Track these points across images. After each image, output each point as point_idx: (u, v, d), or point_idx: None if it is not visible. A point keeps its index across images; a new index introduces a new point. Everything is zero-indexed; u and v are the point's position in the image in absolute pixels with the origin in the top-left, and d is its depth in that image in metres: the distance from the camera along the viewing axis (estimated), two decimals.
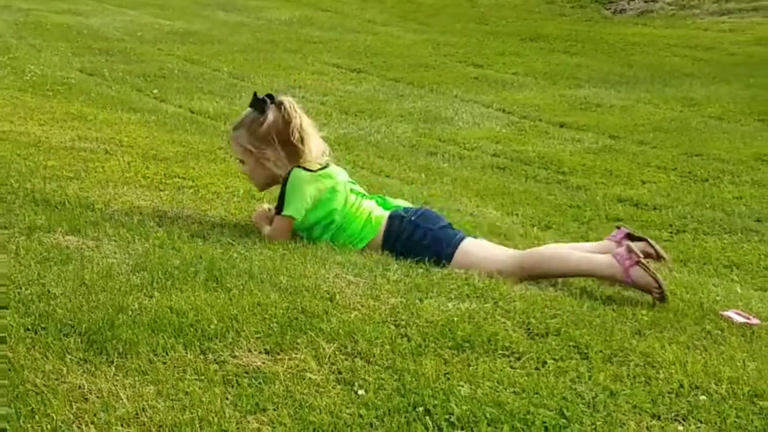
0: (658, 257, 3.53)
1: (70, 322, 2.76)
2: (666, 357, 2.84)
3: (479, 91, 8.50)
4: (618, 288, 3.53)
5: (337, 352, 2.68)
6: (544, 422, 2.39)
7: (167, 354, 2.62)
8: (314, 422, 2.29)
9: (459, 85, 8.71)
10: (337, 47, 10.65)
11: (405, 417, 2.33)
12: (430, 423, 2.32)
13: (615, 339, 2.94)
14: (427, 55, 10.38)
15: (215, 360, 2.59)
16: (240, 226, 3.92)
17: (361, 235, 3.75)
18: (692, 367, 2.77)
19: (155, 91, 7.84)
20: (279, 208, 3.80)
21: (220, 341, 2.70)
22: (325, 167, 3.82)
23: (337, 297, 3.09)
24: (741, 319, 3.25)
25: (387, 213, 3.79)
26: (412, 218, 3.74)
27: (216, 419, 2.28)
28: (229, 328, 2.77)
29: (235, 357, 2.62)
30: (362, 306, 3.03)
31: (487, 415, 2.37)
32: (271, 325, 2.83)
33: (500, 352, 2.78)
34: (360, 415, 2.33)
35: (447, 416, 2.36)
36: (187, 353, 2.62)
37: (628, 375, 2.71)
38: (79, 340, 2.66)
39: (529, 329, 2.98)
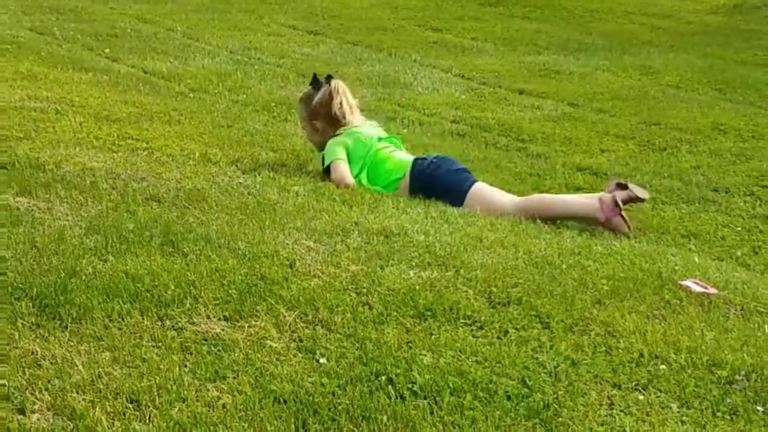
0: (639, 200, 4.23)
1: (21, 285, 2.69)
2: (626, 326, 2.84)
3: (438, 56, 8.43)
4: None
5: (297, 320, 2.64)
6: (507, 391, 2.38)
7: (123, 320, 2.55)
8: (275, 391, 2.25)
9: (418, 50, 8.63)
10: (294, 8, 10.50)
11: (368, 386, 2.31)
12: (393, 392, 2.29)
13: (576, 308, 2.94)
14: (385, 18, 10.27)
15: (173, 326, 2.54)
16: (196, 190, 3.84)
17: (392, 175, 4.44)
18: (652, 337, 2.78)
19: (107, 50, 7.66)
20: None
21: (177, 307, 2.64)
22: (353, 128, 4.59)
23: (297, 264, 3.04)
24: (699, 289, 3.26)
25: (412, 157, 4.52)
26: (434, 159, 4.47)
27: (174, 387, 2.23)
28: (186, 294, 2.71)
29: (193, 324, 2.56)
30: (322, 273, 2.99)
31: (450, 385, 2.35)
32: (230, 291, 2.77)
33: (462, 321, 2.76)
34: (322, 384, 2.29)
35: (410, 385, 2.33)
36: (143, 319, 2.56)
37: (589, 344, 2.70)
38: (31, 305, 2.59)
39: (490, 298, 2.96)
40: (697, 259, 3.72)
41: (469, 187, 4.34)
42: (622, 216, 4.13)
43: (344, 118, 4.59)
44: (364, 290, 2.88)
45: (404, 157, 4.52)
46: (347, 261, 3.11)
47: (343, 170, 4.41)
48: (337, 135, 4.57)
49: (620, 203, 4.13)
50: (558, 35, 9.75)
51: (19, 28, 8.22)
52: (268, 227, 3.39)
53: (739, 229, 4.26)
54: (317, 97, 4.65)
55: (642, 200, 4.24)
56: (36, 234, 3.10)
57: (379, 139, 4.60)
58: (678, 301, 3.11)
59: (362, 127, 4.63)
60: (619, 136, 5.80)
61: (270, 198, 3.85)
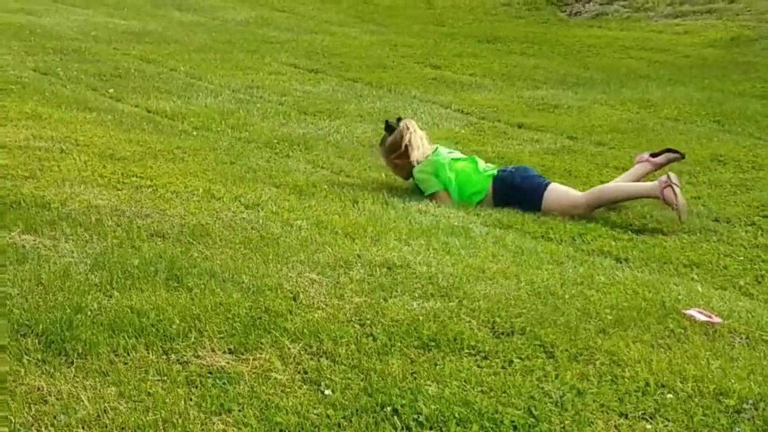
0: (679, 156, 5.18)
1: (27, 322, 2.70)
2: (631, 355, 2.85)
3: (437, 91, 8.48)
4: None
5: (302, 352, 2.65)
6: (513, 421, 2.37)
7: (128, 354, 2.56)
8: (281, 423, 2.25)
9: (417, 86, 8.68)
10: (295, 47, 10.58)
11: (373, 417, 2.31)
12: (399, 423, 2.29)
13: (580, 338, 2.94)
14: (384, 56, 10.35)
15: (178, 360, 2.55)
16: (200, 225, 3.86)
17: (478, 186, 5.07)
18: (657, 366, 2.78)
19: (111, 90, 7.72)
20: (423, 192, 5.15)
21: (182, 341, 2.65)
22: (431, 157, 5.19)
23: (301, 296, 3.05)
24: (703, 318, 3.26)
25: (493, 170, 5.13)
26: (512, 170, 5.15)
27: (180, 421, 2.24)
28: (191, 328, 2.72)
29: (198, 357, 2.57)
30: (326, 305, 3.00)
31: (456, 415, 2.35)
32: (235, 324, 2.78)
33: (466, 351, 2.77)
34: (327, 416, 2.29)
35: (415, 416, 2.33)
36: (149, 354, 2.57)
37: (595, 374, 2.71)
38: (37, 341, 2.60)
39: (494, 328, 2.97)
40: (700, 289, 3.73)
41: (544, 190, 4.97)
42: (672, 189, 4.76)
43: (418, 149, 5.20)
44: (368, 321, 2.89)
45: (486, 171, 5.14)
46: (350, 293, 3.12)
47: (445, 199, 5.07)
48: (420, 164, 5.18)
49: (671, 178, 4.79)
50: (556, 70, 9.81)
51: (23, 68, 8.29)
52: (272, 261, 3.41)
53: (742, 258, 4.26)
54: (391, 138, 5.26)
55: (680, 155, 5.20)
56: (42, 271, 3.12)
57: (456, 160, 5.19)
58: (682, 330, 3.12)
59: (437, 153, 5.21)
60: (618, 168, 5.81)
61: (273, 232, 3.87)
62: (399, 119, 5.40)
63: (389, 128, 5.34)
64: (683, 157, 5.23)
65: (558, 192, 4.98)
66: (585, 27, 12.75)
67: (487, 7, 14.37)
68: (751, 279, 4.01)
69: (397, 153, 5.21)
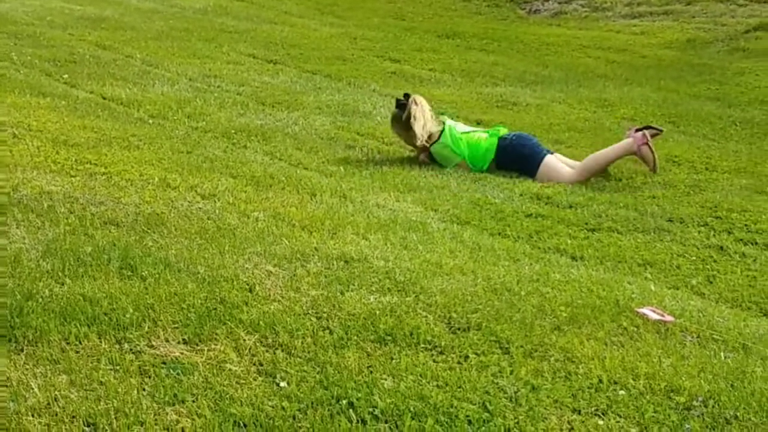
0: (659, 131, 5.82)
1: None
2: (585, 352, 2.87)
3: (397, 85, 8.47)
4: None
5: (257, 344, 2.63)
6: (468, 416, 2.38)
7: (80, 343, 2.52)
8: (235, 414, 2.23)
9: (377, 79, 8.67)
10: (253, 38, 10.49)
11: (329, 410, 2.29)
12: (354, 416, 2.29)
13: (535, 334, 2.96)
14: (344, 49, 10.31)
15: (131, 350, 2.51)
16: (155, 214, 3.81)
17: (487, 155, 5.71)
18: (610, 363, 2.80)
19: (65, 76, 7.60)
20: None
21: (135, 330, 2.61)
22: (445, 131, 5.79)
23: (257, 288, 3.03)
24: (656, 317, 3.30)
25: (495, 138, 5.73)
26: (513, 137, 5.76)
27: (132, 410, 2.21)
28: (145, 318, 2.68)
29: (152, 347, 2.54)
30: (282, 297, 2.98)
31: (411, 409, 2.35)
32: (189, 315, 2.75)
33: (422, 345, 2.77)
34: (282, 408, 2.28)
35: (371, 409, 2.33)
36: (101, 342, 2.53)
37: (549, 370, 2.72)
38: None
39: (450, 323, 2.97)
40: (653, 288, 3.76)
41: (541, 160, 5.61)
42: (649, 146, 5.63)
43: (419, 121, 5.73)
44: (325, 315, 2.88)
45: (489, 138, 5.75)
46: (307, 286, 3.10)
47: (465, 168, 5.70)
48: (437, 143, 5.77)
49: (647, 135, 5.63)
50: (515, 67, 9.86)
51: None
52: (228, 252, 3.37)
53: (694, 258, 4.31)
54: (405, 113, 5.76)
55: (660, 131, 5.84)
56: None
57: (464, 133, 5.79)
58: (635, 328, 3.14)
59: (450, 129, 5.79)
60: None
61: (230, 223, 3.83)
62: (407, 95, 5.89)
63: (400, 105, 5.83)
64: (662, 131, 5.94)
65: (549, 167, 5.62)
66: (544, 25, 12.82)
67: (447, 2, 14.39)
68: (702, 279, 4.06)
69: (412, 127, 5.72)
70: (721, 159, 6.20)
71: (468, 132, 5.88)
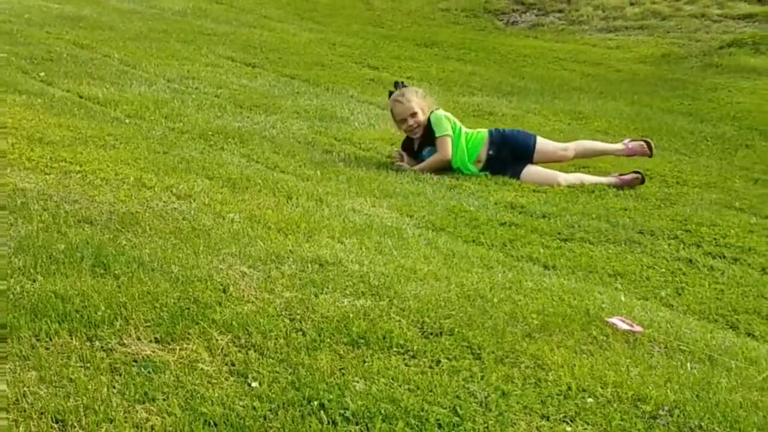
0: (650, 153, 6.12)
1: None
2: (555, 360, 2.89)
3: (375, 92, 8.50)
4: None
5: (230, 344, 2.63)
6: (438, 420, 2.39)
7: (50, 339, 2.51)
8: (206, 413, 2.23)
9: (355, 86, 8.69)
10: (232, 41, 10.49)
11: (300, 411, 2.30)
12: (325, 417, 2.29)
13: (506, 341, 2.98)
14: (323, 54, 10.33)
15: (102, 347, 2.51)
16: (130, 213, 3.80)
17: (473, 149, 5.92)
18: (579, 371, 2.83)
19: (42, 74, 7.56)
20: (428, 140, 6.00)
21: (107, 328, 2.61)
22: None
23: (231, 288, 3.03)
24: (625, 326, 3.33)
25: (486, 132, 6.01)
26: (503, 129, 6.17)
27: (102, 407, 2.20)
28: (117, 316, 2.68)
29: (123, 345, 2.53)
30: (256, 299, 2.98)
31: (382, 411, 2.36)
32: (162, 314, 2.75)
33: (395, 349, 2.78)
34: (254, 408, 2.28)
35: (342, 411, 2.34)
36: (72, 339, 2.52)
37: (519, 376, 2.74)
38: None
39: (423, 328, 2.99)
40: (623, 298, 3.80)
41: (535, 140, 5.99)
42: (637, 141, 6.08)
43: (412, 99, 6.06)
44: (298, 316, 2.88)
45: (480, 134, 6.00)
46: (281, 287, 3.11)
47: (449, 147, 5.87)
48: (439, 109, 6.07)
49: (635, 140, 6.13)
50: (492, 78, 9.92)
51: None
52: (202, 252, 3.37)
53: (664, 270, 4.36)
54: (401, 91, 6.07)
55: (649, 154, 6.10)
56: None
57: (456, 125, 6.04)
58: (605, 338, 3.18)
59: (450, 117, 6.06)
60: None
61: (205, 224, 3.83)
62: (401, 84, 6.19)
63: (396, 85, 6.16)
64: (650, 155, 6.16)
65: (546, 143, 6.03)
66: (521, 37, 12.91)
67: (426, 11, 14.44)
68: (671, 291, 4.10)
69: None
70: (692, 173, 6.28)
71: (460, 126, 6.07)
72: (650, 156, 6.11)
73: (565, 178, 5.83)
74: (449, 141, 5.89)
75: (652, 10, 12.94)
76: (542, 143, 6.04)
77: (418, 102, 6.03)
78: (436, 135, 5.91)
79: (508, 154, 5.91)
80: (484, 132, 6.02)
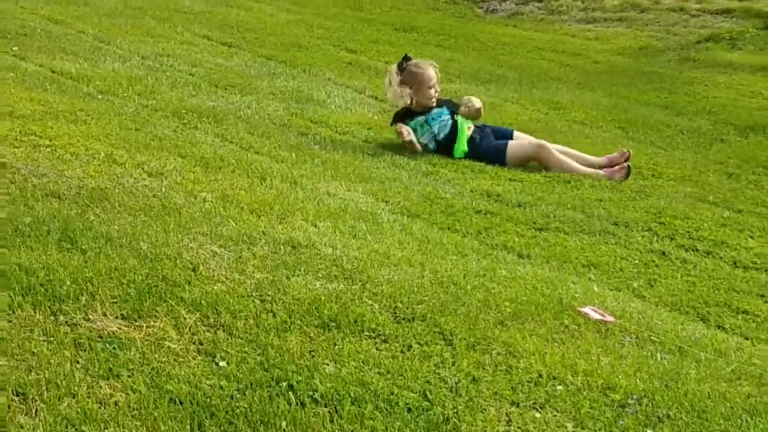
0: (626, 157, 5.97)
1: None
2: (526, 347, 2.88)
3: (352, 76, 8.43)
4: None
5: (198, 323, 2.59)
6: (407, 403, 2.37)
7: (14, 312, 2.46)
8: (171, 391, 2.19)
9: (332, 69, 8.62)
10: (209, 19, 10.37)
11: (267, 391, 2.27)
12: (293, 398, 2.26)
13: (479, 327, 2.96)
14: (300, 36, 10.24)
15: (66, 322, 2.46)
16: (99, 189, 3.73)
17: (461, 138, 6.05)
18: (550, 359, 2.82)
19: (15, 48, 7.43)
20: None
21: (72, 303, 2.55)
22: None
23: (201, 268, 2.98)
24: (597, 316, 3.33)
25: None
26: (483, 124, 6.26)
27: (64, 382, 2.15)
28: (83, 291, 2.63)
29: (88, 320, 2.48)
30: (227, 279, 2.94)
31: (351, 394, 2.33)
32: (129, 290, 2.70)
33: (366, 333, 2.75)
34: (221, 387, 2.24)
35: (311, 392, 2.30)
36: (35, 313, 2.47)
37: (490, 363, 2.73)
38: None
39: (395, 313, 2.96)
40: (596, 288, 3.80)
41: (512, 133, 6.19)
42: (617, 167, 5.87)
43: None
44: (269, 298, 2.84)
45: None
46: (252, 268, 3.06)
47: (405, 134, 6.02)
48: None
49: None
50: (470, 65, 9.88)
51: None
52: (173, 230, 3.32)
53: (637, 262, 4.36)
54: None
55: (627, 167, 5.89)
56: None
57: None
58: (576, 327, 3.17)
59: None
60: (526, 167, 5.90)
61: (176, 202, 3.78)
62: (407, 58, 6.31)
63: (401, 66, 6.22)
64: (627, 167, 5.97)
65: (524, 135, 6.23)
66: (501, 25, 12.88)
67: None
68: (644, 282, 4.10)
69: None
70: (668, 166, 6.29)
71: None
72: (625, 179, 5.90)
73: (553, 146, 5.98)
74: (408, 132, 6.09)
75: (632, 3, 12.97)
76: (518, 133, 6.25)
77: None
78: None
79: (491, 135, 6.13)
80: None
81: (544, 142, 6.02)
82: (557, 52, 11.17)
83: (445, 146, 6.02)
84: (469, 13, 13.60)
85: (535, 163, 5.97)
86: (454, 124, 6.06)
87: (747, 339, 3.57)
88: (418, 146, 5.97)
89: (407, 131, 5.97)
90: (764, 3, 12.21)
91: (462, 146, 5.99)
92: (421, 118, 6.08)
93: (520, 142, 6.06)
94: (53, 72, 6.77)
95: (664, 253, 4.53)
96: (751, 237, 4.87)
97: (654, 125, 7.61)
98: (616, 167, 5.88)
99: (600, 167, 5.94)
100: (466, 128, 6.07)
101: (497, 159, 5.92)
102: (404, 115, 6.13)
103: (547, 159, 5.89)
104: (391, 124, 6.16)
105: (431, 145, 6.04)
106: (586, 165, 5.96)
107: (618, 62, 10.79)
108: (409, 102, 6.13)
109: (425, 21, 12.48)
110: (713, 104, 8.58)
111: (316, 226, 3.86)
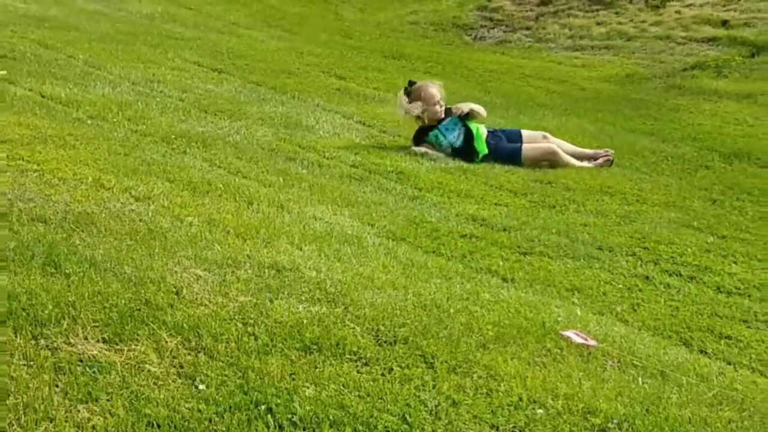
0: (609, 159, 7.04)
1: None
2: (508, 371, 2.89)
3: (341, 102, 8.49)
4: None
5: (179, 346, 2.60)
6: (387, 427, 2.38)
7: None
8: (150, 414, 2.20)
9: (321, 95, 8.67)
10: (200, 46, 10.42)
11: (246, 414, 2.28)
12: (272, 422, 2.27)
13: (460, 350, 2.97)
14: (290, 62, 10.30)
15: (47, 346, 2.46)
16: (85, 213, 3.75)
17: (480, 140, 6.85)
18: (532, 382, 2.83)
19: (3, 72, 7.46)
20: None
21: (54, 327, 2.56)
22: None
23: (184, 291, 3.00)
24: (579, 340, 3.34)
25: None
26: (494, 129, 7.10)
27: (42, 406, 2.16)
28: (65, 315, 2.64)
29: (69, 344, 2.49)
30: (210, 302, 2.95)
31: (330, 417, 2.34)
32: (111, 314, 2.71)
33: (348, 356, 2.76)
34: (199, 410, 2.25)
35: (290, 416, 2.31)
36: (16, 337, 2.48)
37: (471, 386, 2.74)
38: None
39: (377, 336, 2.98)
40: (579, 312, 3.82)
41: (520, 134, 6.97)
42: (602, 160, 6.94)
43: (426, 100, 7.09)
44: (251, 321, 2.86)
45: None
46: (236, 292, 3.08)
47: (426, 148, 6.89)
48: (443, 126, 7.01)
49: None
50: (458, 91, 9.93)
51: None
52: (158, 254, 3.33)
53: (620, 286, 4.39)
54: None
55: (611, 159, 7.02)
56: None
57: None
58: (559, 350, 3.18)
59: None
60: (512, 191, 5.93)
61: (162, 226, 3.79)
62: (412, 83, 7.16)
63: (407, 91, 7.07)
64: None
65: (530, 134, 7.04)
66: (488, 52, 12.98)
67: (395, 24, 14.49)
68: (627, 306, 4.13)
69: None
70: (652, 192, 6.33)
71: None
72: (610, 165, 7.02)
73: (557, 143, 6.96)
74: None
75: (618, 31, 13.08)
76: (526, 132, 7.10)
77: None
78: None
79: (504, 138, 6.96)
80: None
81: (554, 147, 6.88)
82: (544, 79, 11.25)
83: (464, 151, 6.82)
84: (457, 41, 13.70)
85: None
86: (468, 130, 6.85)
87: (729, 364, 3.59)
88: (436, 153, 6.76)
89: (422, 151, 6.76)
90: (750, 32, 12.32)
91: (483, 148, 6.79)
92: (434, 132, 6.88)
93: (533, 145, 6.87)
94: (43, 96, 6.79)
95: (647, 277, 4.56)
96: (735, 263, 4.91)
97: (639, 152, 7.67)
98: (600, 159, 6.96)
99: (589, 159, 6.99)
100: (482, 132, 6.86)
101: (513, 161, 6.75)
102: (420, 136, 6.92)
103: (557, 162, 6.78)
104: (411, 149, 6.84)
105: (449, 150, 6.84)
106: (580, 157, 6.96)
107: (604, 89, 10.88)
108: (422, 112, 6.94)
109: (414, 48, 12.57)
110: (698, 131, 8.64)
111: (301, 249, 3.88)
